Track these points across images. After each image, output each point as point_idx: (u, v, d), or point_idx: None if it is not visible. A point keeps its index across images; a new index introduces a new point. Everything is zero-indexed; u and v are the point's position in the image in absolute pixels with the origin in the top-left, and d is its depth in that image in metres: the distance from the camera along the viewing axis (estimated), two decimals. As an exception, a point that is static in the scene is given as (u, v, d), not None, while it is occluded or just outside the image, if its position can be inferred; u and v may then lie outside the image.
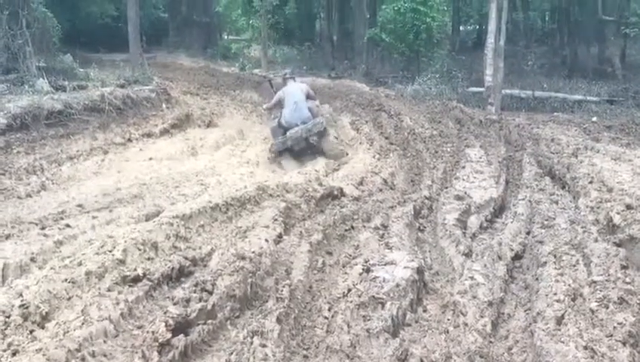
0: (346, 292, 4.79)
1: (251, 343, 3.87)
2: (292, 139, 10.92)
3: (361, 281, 4.89)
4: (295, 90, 11.42)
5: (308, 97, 11.55)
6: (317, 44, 31.20)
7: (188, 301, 4.26)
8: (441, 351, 3.95)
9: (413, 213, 7.00)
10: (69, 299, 4.44)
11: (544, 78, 21.06)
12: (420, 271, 5.07)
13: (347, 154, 11.27)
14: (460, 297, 4.62)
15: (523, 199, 7.69)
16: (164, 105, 14.37)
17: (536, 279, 5.07)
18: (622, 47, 23.75)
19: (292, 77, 12.05)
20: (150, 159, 10.39)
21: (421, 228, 6.88)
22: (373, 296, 4.54)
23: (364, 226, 6.67)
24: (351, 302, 4.55)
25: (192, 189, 8.22)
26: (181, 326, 3.97)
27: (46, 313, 4.20)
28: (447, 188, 8.35)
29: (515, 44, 23.83)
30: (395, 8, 22.22)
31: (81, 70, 15.76)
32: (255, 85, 21.30)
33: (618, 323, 4.05)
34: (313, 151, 11.14)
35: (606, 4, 25.02)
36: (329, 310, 4.57)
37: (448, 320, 4.39)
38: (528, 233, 6.45)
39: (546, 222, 6.63)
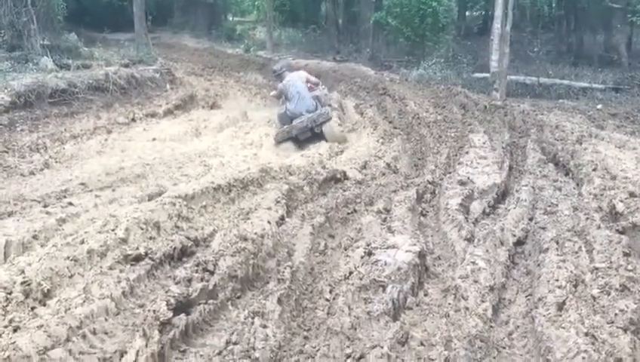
0: (348, 274, 4.79)
1: (252, 323, 3.87)
2: (297, 128, 10.94)
3: (362, 264, 4.89)
4: (295, 81, 11.44)
5: (308, 82, 11.58)
6: (322, 26, 30.97)
7: (189, 280, 4.26)
8: (441, 335, 3.95)
9: (415, 197, 6.99)
10: (70, 276, 4.44)
11: (550, 65, 20.92)
12: (421, 255, 5.06)
13: (349, 135, 11.28)
14: (462, 281, 4.61)
15: (526, 185, 7.66)
16: (168, 86, 14.36)
17: (538, 265, 5.06)
18: (628, 35, 23.56)
19: (284, 70, 12.04)
20: (153, 139, 10.37)
21: (424, 212, 6.87)
22: (375, 279, 4.53)
23: (367, 210, 6.66)
24: (352, 284, 4.54)
25: (194, 170, 8.21)
26: (182, 306, 3.97)
27: (47, 290, 4.20)
28: (450, 173, 8.32)
29: (521, 31, 23.64)
30: (402, -8, 22.09)
31: (86, 49, 15.76)
32: (259, 67, 21.27)
33: (620, 310, 4.04)
34: (316, 137, 11.10)
35: (613, -10, 24.83)
36: (330, 292, 4.57)
37: (449, 304, 4.38)
38: (531, 219, 6.42)
39: (548, 209, 6.61)
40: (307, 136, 11.02)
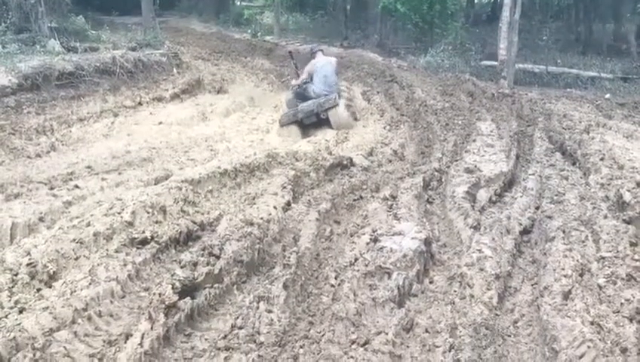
0: (353, 261, 4.78)
1: (257, 308, 3.88)
2: (303, 112, 10.83)
3: (368, 251, 4.88)
4: (326, 65, 11.36)
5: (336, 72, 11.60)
6: (330, 12, 30.86)
7: (195, 264, 4.27)
8: (446, 322, 3.95)
9: (422, 184, 6.97)
10: (76, 259, 4.45)
11: (558, 54, 20.81)
12: (427, 242, 5.05)
13: (355, 122, 11.23)
14: (467, 269, 4.60)
15: (533, 174, 7.64)
16: (175, 70, 14.31)
17: (544, 254, 5.04)
18: (637, 25, 23.38)
19: (320, 49, 11.90)
20: (160, 123, 10.36)
21: (430, 200, 6.85)
22: (380, 266, 4.53)
23: (373, 196, 6.64)
24: (358, 270, 4.54)
25: (201, 154, 8.21)
26: (188, 289, 3.98)
27: (53, 272, 4.22)
28: (457, 160, 8.28)
29: (530, 19, 23.47)
30: (410, -22, 21.98)
31: (93, 32, 15.73)
32: (267, 52, 21.20)
33: (625, 300, 4.03)
34: (322, 123, 11.02)
35: (624, -20, 24.65)
36: (335, 278, 4.57)
37: (455, 291, 4.37)
38: (537, 208, 6.40)
39: (555, 198, 6.59)
40: (312, 120, 10.92)
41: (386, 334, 3.68)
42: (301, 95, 11.20)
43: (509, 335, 4.00)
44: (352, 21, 27.53)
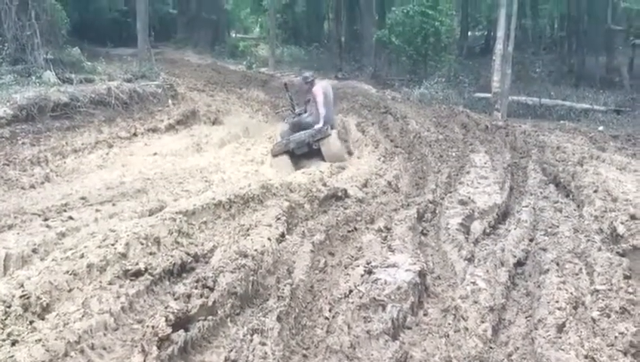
0: (348, 293, 4.78)
1: (251, 341, 3.87)
2: (295, 142, 10.85)
3: (362, 283, 4.88)
4: (329, 91, 11.41)
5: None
6: (325, 44, 31.19)
7: (189, 296, 4.26)
8: (441, 355, 3.95)
9: (416, 216, 7.00)
10: (69, 291, 4.44)
11: (551, 86, 21.07)
12: (421, 274, 5.06)
13: (349, 156, 11.25)
14: (462, 302, 4.61)
15: (527, 206, 7.67)
16: (170, 101, 14.41)
17: (538, 286, 5.06)
18: (630, 57, 23.70)
19: (314, 78, 11.81)
20: (155, 154, 10.40)
21: (424, 231, 6.87)
22: (375, 298, 4.53)
23: (367, 228, 6.66)
24: (352, 303, 4.54)
25: (195, 185, 8.23)
26: (181, 322, 3.96)
27: (47, 304, 4.20)
28: (451, 192, 8.33)
29: (523, 51, 23.79)
30: (404, 11, 22.29)
31: (89, 63, 15.86)
32: (262, 84, 21.34)
33: (620, 333, 4.04)
34: (313, 154, 11.04)
35: (615, 13, 25.00)
36: (330, 310, 4.56)
37: (449, 324, 4.37)
38: (531, 240, 6.43)
39: (549, 230, 6.61)
40: (304, 150, 10.91)
41: (381, 367, 3.68)
42: (297, 126, 11.22)
43: (504, 369, 4.00)
44: (346, 53, 27.84)
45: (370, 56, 25.51)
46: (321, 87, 11.36)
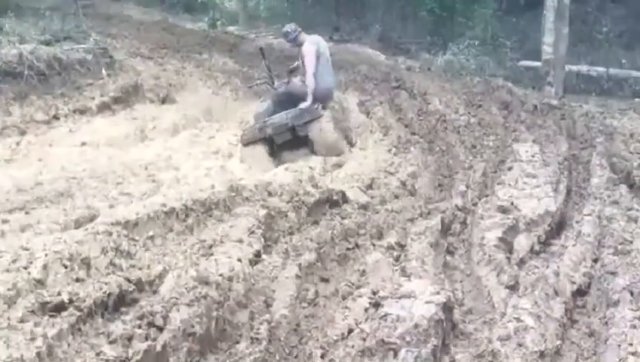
0: (346, 333, 4.79)
1: (215, 400, 3.87)
2: (273, 126, 10.69)
3: (367, 319, 4.89)
4: (325, 47, 11.39)
5: None
6: (315, -5, 31.20)
7: (130, 339, 4.25)
8: (473, 419, 3.96)
9: (440, 228, 7.01)
10: (-36, 331, 4.42)
11: (623, 51, 21.04)
12: (447, 307, 5.06)
13: (348, 146, 11.19)
14: (501, 345, 4.61)
15: (590, 214, 7.69)
16: (104, 72, 14.34)
17: (605, 323, 5.07)
18: None
19: (300, 32, 11.45)
20: (83, 144, 10.37)
21: (450, 249, 6.88)
22: (383, 340, 4.53)
23: (374, 245, 6.67)
24: (352, 347, 4.54)
25: (139, 187, 8.21)
26: (119, 374, 3.96)
27: None
28: (487, 196, 8.35)
29: (584, 4, 23.83)
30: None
31: (-8, 20, 15.76)
32: (229, 48, 21.31)
33: None
34: (300, 144, 10.97)
35: None
36: (322, 357, 4.57)
37: (484, 375, 4.39)
38: (596, 261, 6.44)
39: (620, 247, 6.62)
40: (286, 138, 10.79)
41: None
42: (286, 100, 11.07)
43: None
44: (344, 7, 27.76)
45: (378, 10, 25.51)
46: (312, 44, 11.20)
